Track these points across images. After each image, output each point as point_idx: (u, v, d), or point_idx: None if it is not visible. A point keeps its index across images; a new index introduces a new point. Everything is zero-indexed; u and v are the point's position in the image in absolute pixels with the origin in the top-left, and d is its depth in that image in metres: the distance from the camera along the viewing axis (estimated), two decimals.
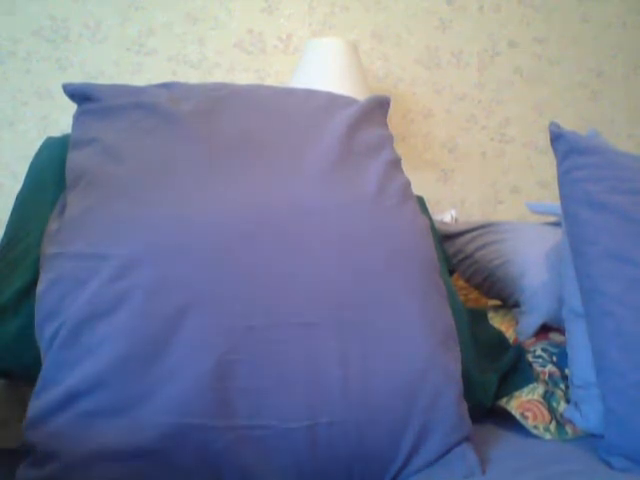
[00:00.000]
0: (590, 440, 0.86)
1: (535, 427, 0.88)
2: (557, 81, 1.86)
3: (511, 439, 0.85)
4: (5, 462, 0.70)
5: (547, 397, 0.92)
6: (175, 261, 0.67)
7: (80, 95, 0.82)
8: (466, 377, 0.81)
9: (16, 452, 0.64)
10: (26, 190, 0.85)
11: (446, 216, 1.45)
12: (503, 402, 0.93)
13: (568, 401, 0.92)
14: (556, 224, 1.23)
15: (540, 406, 0.90)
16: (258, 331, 0.66)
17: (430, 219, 1.12)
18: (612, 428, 0.78)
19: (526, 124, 1.83)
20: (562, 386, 0.94)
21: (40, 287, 0.70)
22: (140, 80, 1.53)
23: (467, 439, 0.73)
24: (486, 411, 0.91)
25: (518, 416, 0.89)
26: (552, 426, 0.88)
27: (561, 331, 1.04)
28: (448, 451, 0.71)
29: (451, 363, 0.75)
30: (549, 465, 0.74)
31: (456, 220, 1.46)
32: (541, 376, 0.96)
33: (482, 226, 1.28)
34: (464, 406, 0.74)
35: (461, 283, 1.45)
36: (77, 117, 0.81)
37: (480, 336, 1.04)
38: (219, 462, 0.63)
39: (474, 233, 1.27)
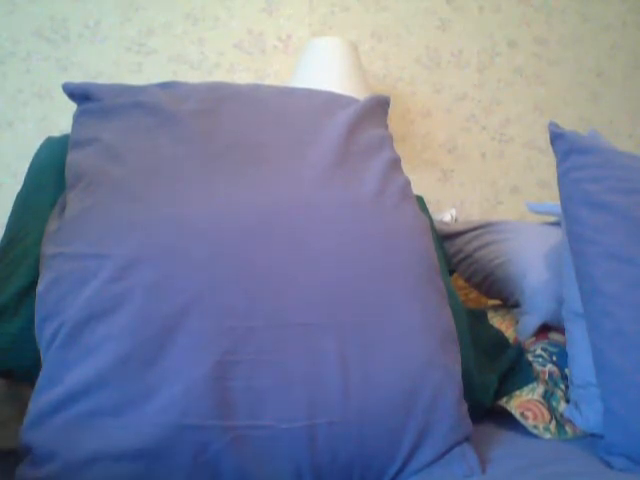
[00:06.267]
0: (590, 440, 0.86)
1: (535, 427, 0.88)
2: (557, 81, 1.86)
3: (511, 439, 0.85)
4: (5, 462, 0.70)
5: (547, 397, 0.92)
6: (175, 261, 0.67)
7: (80, 94, 0.82)
8: (466, 377, 0.81)
9: (16, 452, 0.64)
10: (26, 190, 0.85)
11: (446, 216, 1.45)
12: (503, 402, 0.93)
13: (568, 401, 0.92)
14: (556, 224, 1.23)
15: (540, 406, 0.90)
16: (258, 331, 0.66)
17: (430, 219, 1.12)
18: (612, 428, 0.78)
19: (526, 124, 1.83)
20: (562, 386, 0.94)
21: (40, 287, 0.70)
22: (140, 80, 1.53)
23: (467, 439, 0.73)
24: (486, 411, 0.91)
25: (518, 416, 0.89)
26: (552, 426, 0.88)
27: (561, 331, 1.04)
28: (448, 451, 0.71)
29: (451, 363, 0.74)
30: (549, 465, 0.74)
31: (456, 220, 1.46)
32: (541, 376, 0.96)
33: (482, 226, 1.28)
34: (464, 406, 0.74)
35: (461, 283, 1.45)
36: (77, 117, 0.81)
37: (480, 336, 1.04)
38: (218, 462, 0.63)
39: (474, 233, 1.27)
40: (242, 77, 1.60)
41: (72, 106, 0.85)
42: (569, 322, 0.93)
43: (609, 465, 0.77)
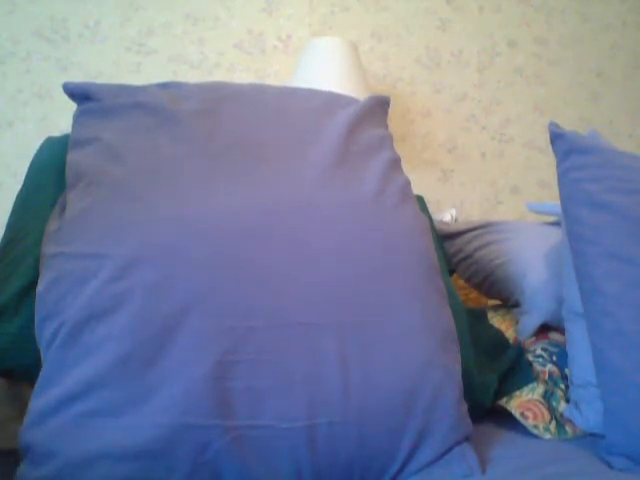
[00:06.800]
0: (590, 440, 0.86)
1: (535, 427, 0.88)
2: (557, 81, 1.86)
3: (511, 439, 0.85)
4: (5, 462, 0.70)
5: (547, 397, 0.92)
6: (175, 261, 0.67)
7: (80, 94, 0.82)
8: (466, 377, 0.81)
9: (16, 452, 0.64)
10: (26, 190, 0.85)
11: (446, 216, 1.45)
12: (503, 402, 0.93)
13: (568, 401, 0.92)
14: (556, 224, 1.23)
15: (540, 406, 0.90)
16: (258, 331, 0.66)
17: (430, 219, 1.12)
18: (612, 428, 0.78)
19: (526, 124, 1.83)
20: (562, 386, 0.94)
21: (40, 287, 0.70)
22: (140, 80, 1.53)
23: (467, 439, 0.73)
24: (486, 411, 0.91)
25: (518, 416, 0.89)
26: (552, 426, 0.88)
27: (561, 331, 1.04)
28: (448, 451, 0.71)
29: (451, 363, 0.74)
30: (549, 465, 0.74)
31: (456, 220, 1.46)
32: (541, 376, 0.96)
33: (482, 226, 1.28)
34: (464, 406, 0.74)
35: (461, 283, 1.45)
36: (77, 117, 0.81)
37: (480, 336, 1.04)
38: (218, 462, 0.63)
39: (474, 233, 1.27)
40: (242, 77, 1.60)
41: (72, 106, 0.85)
42: (569, 322, 0.93)
43: (609, 465, 0.77)
